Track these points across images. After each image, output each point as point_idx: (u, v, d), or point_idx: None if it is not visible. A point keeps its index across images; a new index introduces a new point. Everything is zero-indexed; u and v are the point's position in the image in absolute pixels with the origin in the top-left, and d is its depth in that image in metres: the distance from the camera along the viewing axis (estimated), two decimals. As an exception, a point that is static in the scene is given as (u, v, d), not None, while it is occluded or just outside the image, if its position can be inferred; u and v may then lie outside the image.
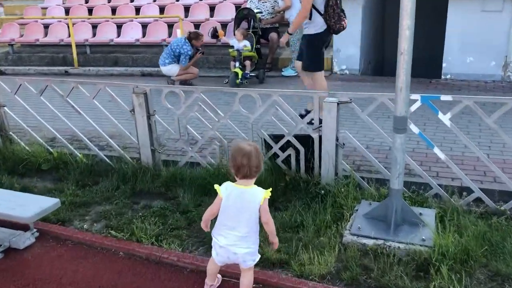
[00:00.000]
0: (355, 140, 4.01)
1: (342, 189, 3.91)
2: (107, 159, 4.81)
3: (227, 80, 7.91)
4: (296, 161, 4.21)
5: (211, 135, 4.41)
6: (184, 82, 8.32)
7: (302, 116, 5.67)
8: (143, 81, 8.94)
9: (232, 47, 8.07)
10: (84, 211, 4.01)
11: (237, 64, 7.88)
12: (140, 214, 3.89)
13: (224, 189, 2.73)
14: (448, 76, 7.96)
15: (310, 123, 4.06)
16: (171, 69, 7.95)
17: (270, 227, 2.77)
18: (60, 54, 10.52)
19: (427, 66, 9.08)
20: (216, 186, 2.79)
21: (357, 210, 3.65)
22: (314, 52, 5.76)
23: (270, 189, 2.72)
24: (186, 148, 4.53)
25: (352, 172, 4.04)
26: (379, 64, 10.32)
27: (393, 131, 3.21)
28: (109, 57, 10.22)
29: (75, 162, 4.85)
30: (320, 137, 4.02)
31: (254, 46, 8.32)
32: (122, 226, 3.68)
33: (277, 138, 4.25)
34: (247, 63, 8.06)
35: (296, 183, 4.18)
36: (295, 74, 8.64)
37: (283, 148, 4.21)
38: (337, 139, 3.96)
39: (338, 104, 3.86)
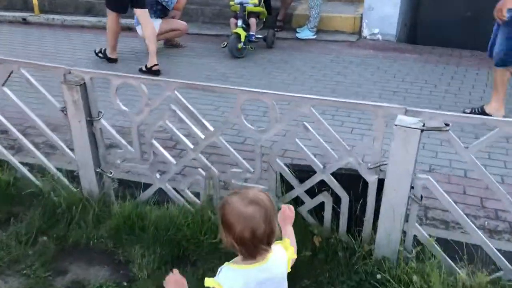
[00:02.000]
0: (443, 192, 2.27)
1: (414, 276, 2.24)
2: (32, 177, 3.08)
3: (225, 43, 6.02)
4: (333, 213, 2.51)
5: (193, 159, 2.66)
6: (169, 43, 6.43)
7: None
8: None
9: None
10: (-35, 295, 2.34)
11: (240, 22, 5.96)
12: (57, 314, 2.22)
13: (232, 283, 1.51)
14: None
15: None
16: (149, 28, 6.02)
17: None
18: (21, -5, 8.50)
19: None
20: (210, 283, 1.52)
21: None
22: None
23: (288, 240, 1.69)
24: (151, 175, 2.79)
25: (431, 242, 2.35)
26: (413, 27, 8.38)
27: None
28: (80, 3, 8.21)
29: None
30: (380, 181, 2.31)
31: (263, -2, 6.35)
32: None
33: (302, 172, 2.52)
34: (253, 21, 6.12)
35: (331, 249, 2.49)
36: (314, 36, 6.76)
37: (312, 191, 2.50)
38: (411, 188, 2.24)
39: (422, 131, 2.11)
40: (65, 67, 2.64)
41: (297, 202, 2.52)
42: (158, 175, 2.78)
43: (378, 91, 4.94)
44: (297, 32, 6.82)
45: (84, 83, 2.61)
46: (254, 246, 1.48)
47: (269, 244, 1.51)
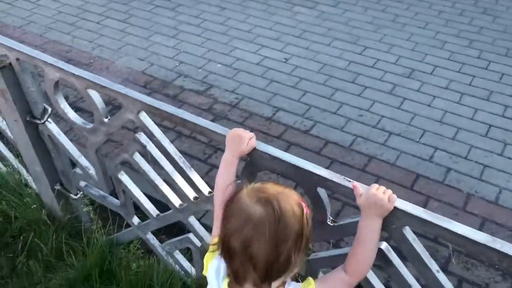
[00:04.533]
0: None
1: None
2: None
3: None
4: None
5: (179, 221, 1.53)
6: None
7: None
8: None
9: None
10: None
11: None
12: None
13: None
14: None
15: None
16: None
17: None
18: None
19: None
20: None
21: None
22: None
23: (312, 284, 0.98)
24: (127, 218, 1.72)
25: None
26: None
27: None
28: None
29: None
30: None
31: None
32: None
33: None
34: None
35: None
36: None
37: None
38: None
39: None
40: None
41: None
42: (136, 220, 1.70)
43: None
44: None
45: (10, 63, 1.50)
46: (242, 267, 0.86)
47: (267, 280, 0.87)
